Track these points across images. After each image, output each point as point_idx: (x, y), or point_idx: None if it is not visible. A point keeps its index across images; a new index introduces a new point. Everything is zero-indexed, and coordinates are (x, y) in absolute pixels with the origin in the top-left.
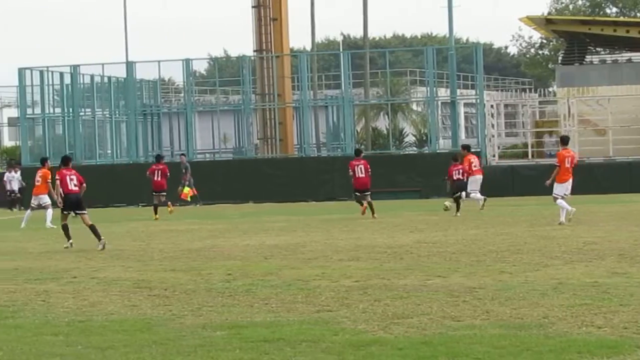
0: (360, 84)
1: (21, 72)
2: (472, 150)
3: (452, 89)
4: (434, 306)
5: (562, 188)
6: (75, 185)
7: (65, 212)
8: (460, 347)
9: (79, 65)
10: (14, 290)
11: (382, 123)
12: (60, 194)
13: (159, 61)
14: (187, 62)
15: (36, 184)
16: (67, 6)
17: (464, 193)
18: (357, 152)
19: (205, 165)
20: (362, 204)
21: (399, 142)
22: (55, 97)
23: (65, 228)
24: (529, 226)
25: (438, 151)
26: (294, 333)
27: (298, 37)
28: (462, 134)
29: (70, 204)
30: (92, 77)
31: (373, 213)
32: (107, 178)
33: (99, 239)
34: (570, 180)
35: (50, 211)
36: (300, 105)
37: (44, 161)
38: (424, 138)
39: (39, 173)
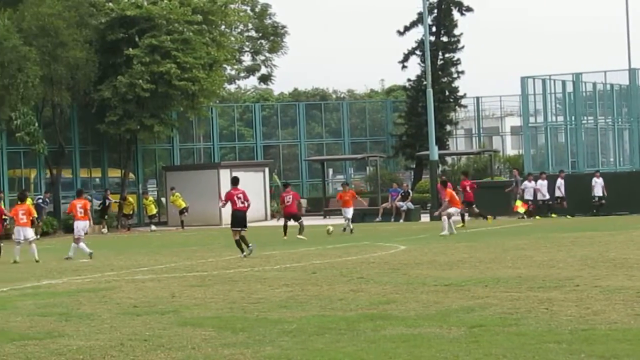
0: None
1: (524, 81)
2: None
3: None
4: None
5: None
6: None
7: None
8: None
9: (581, 74)
10: (517, 297)
11: None
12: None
13: None
14: None
15: None
16: (569, 16)
17: None
18: None
19: None
20: None
21: None
22: (558, 105)
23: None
24: None
25: None
26: None
27: None
28: None
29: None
30: (594, 84)
31: None
32: (610, 186)
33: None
34: None
35: None
36: None
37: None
38: None
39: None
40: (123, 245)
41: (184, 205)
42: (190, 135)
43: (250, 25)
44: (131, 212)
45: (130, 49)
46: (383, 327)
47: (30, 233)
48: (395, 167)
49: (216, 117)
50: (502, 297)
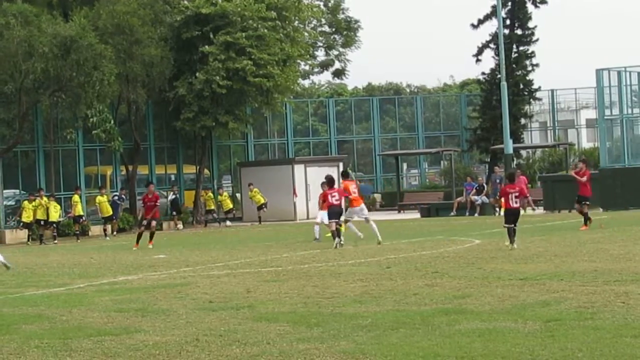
0: None
1: (599, 73)
2: None
3: None
4: None
5: None
6: None
7: None
8: None
9: None
10: (593, 291)
11: None
12: None
13: None
14: None
15: None
16: None
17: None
18: None
19: None
20: None
21: None
22: (634, 97)
23: None
24: None
25: None
26: None
27: None
28: None
29: None
30: None
31: None
32: None
33: None
34: None
35: None
36: None
37: None
38: None
39: None
40: (198, 241)
41: (263, 201)
42: (265, 131)
43: (323, 21)
44: (213, 208)
45: (206, 46)
46: (458, 321)
47: None
48: (469, 161)
49: (290, 112)
50: (578, 291)
